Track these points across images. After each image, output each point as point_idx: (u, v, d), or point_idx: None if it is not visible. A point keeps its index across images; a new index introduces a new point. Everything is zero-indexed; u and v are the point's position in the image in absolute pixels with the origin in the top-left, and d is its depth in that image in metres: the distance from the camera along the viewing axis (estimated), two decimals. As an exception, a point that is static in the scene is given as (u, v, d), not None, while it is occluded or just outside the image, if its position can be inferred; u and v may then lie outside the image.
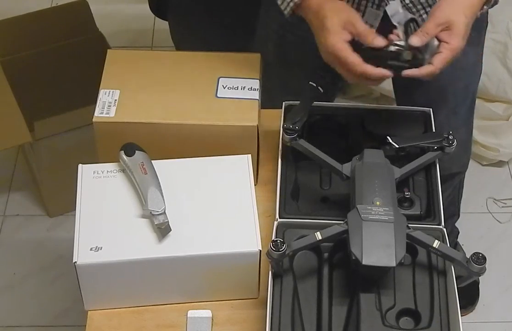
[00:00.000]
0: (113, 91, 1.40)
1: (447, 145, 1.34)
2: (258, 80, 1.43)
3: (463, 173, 1.91)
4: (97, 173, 1.30)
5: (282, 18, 1.42)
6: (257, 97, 1.41)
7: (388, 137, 1.34)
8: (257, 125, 1.37)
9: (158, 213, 1.22)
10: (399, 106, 1.45)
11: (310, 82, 1.40)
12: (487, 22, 1.64)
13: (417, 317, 1.17)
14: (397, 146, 1.33)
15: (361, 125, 1.38)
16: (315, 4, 1.32)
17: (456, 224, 2.09)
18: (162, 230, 1.21)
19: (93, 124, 1.36)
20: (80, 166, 1.31)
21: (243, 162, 1.32)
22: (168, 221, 1.21)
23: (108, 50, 1.50)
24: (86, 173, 1.30)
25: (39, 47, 2.37)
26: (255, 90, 1.42)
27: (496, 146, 2.42)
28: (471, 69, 1.60)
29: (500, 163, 2.46)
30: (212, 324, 1.23)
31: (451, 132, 1.35)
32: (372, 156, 1.28)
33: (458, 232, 2.10)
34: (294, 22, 1.40)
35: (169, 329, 1.24)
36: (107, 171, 1.30)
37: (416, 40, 1.27)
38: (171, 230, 1.21)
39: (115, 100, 1.39)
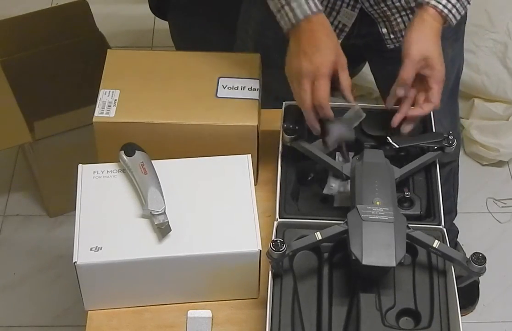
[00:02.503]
0: (113, 91, 1.40)
1: (447, 145, 1.34)
2: (258, 80, 1.43)
3: (455, 162, 1.90)
4: (97, 173, 1.30)
5: (263, 17, 1.41)
6: (257, 97, 1.41)
7: (388, 137, 1.34)
8: (257, 125, 1.37)
9: (158, 213, 1.22)
10: (399, 107, 1.45)
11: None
12: (466, 17, 1.65)
13: (417, 317, 1.17)
14: (397, 146, 1.33)
15: (361, 125, 1.38)
16: (314, 27, 1.30)
17: (457, 224, 2.09)
18: (162, 230, 1.21)
19: (93, 124, 1.36)
20: (80, 166, 1.31)
21: (243, 162, 1.32)
22: (168, 221, 1.21)
23: (108, 50, 1.49)
24: (86, 173, 1.30)
25: (39, 47, 2.37)
26: (255, 90, 1.41)
27: (496, 146, 2.42)
28: (449, 65, 1.60)
29: (500, 163, 2.46)
30: (212, 324, 1.23)
31: (451, 132, 1.35)
32: (372, 156, 1.28)
33: (458, 231, 2.09)
34: (275, 22, 1.40)
35: (169, 329, 1.24)
36: (107, 171, 1.30)
37: (400, 91, 1.32)
38: (171, 230, 1.21)
39: (115, 100, 1.38)
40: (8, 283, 2.19)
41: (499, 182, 2.43)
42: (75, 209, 1.25)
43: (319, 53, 1.27)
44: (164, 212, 1.22)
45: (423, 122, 1.41)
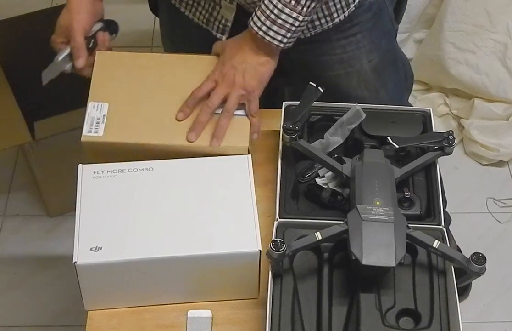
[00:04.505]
0: (101, 105, 1.37)
1: (447, 145, 1.34)
2: None
3: None
4: (97, 173, 1.30)
5: (170, 15, 1.49)
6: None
7: (388, 137, 1.34)
8: (248, 147, 1.35)
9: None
10: (399, 107, 1.45)
11: (310, 82, 1.40)
12: (389, 28, 1.64)
13: (417, 317, 1.17)
14: (397, 146, 1.33)
15: (361, 125, 1.38)
16: None
17: (457, 224, 2.08)
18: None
19: (81, 142, 1.34)
20: (80, 165, 1.31)
21: (243, 162, 1.32)
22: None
23: (97, 52, 1.47)
24: (86, 173, 1.30)
25: (39, 47, 2.37)
26: None
27: (496, 146, 2.42)
28: (370, 73, 1.60)
29: (500, 164, 2.46)
30: (212, 324, 1.23)
31: (451, 131, 1.35)
32: (372, 156, 1.28)
33: (450, 219, 2.07)
34: (179, 17, 1.48)
35: (169, 329, 1.24)
36: (107, 171, 1.30)
37: None
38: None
39: (104, 115, 1.36)
40: (8, 283, 2.19)
41: (499, 182, 2.43)
42: (75, 209, 1.25)
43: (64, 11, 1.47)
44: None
45: (423, 122, 1.41)
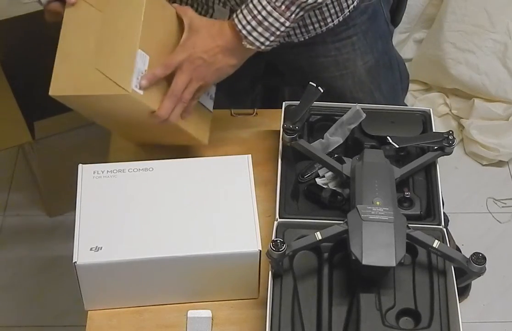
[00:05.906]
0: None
1: (447, 145, 1.34)
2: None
3: None
4: (97, 173, 1.30)
5: None
6: (211, 108, 1.42)
7: (388, 137, 1.34)
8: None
9: None
10: (399, 107, 1.45)
11: (310, 83, 1.40)
12: (384, 30, 1.64)
13: (417, 317, 1.17)
14: (397, 146, 1.33)
15: (361, 125, 1.38)
16: None
17: (457, 224, 2.08)
18: None
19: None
20: (80, 165, 1.31)
21: (243, 162, 1.32)
22: None
23: (66, 9, 1.43)
24: (86, 173, 1.30)
25: (39, 47, 2.37)
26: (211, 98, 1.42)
27: (496, 146, 2.42)
28: (364, 75, 1.60)
29: (500, 163, 2.46)
30: (212, 324, 1.23)
31: (451, 131, 1.35)
32: (372, 156, 1.28)
33: (448, 220, 2.07)
34: None
35: (169, 329, 1.24)
36: (107, 171, 1.30)
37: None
38: None
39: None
40: (8, 283, 2.19)
41: (499, 182, 2.42)
42: (75, 209, 1.25)
43: None
44: None
45: (423, 122, 1.41)
